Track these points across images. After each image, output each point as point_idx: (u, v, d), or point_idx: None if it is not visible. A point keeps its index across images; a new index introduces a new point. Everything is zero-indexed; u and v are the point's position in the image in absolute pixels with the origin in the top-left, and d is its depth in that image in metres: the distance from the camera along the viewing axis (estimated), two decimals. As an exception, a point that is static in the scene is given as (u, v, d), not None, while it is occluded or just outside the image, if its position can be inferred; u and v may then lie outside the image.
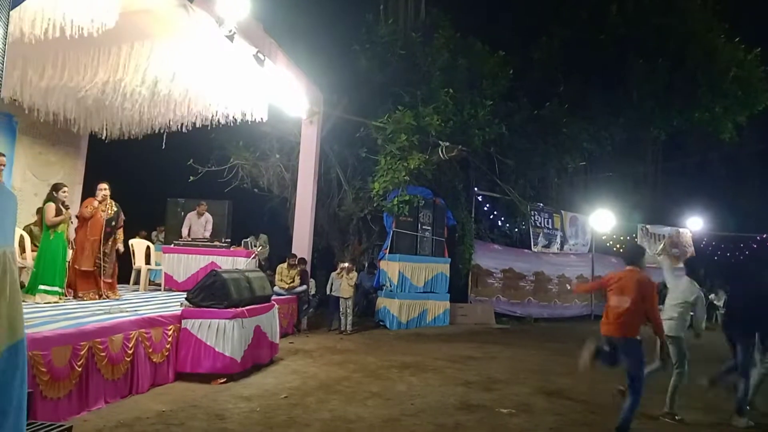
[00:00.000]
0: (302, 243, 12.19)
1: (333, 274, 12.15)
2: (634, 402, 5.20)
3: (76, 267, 8.02)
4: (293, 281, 11.36)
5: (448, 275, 14.43)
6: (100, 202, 8.21)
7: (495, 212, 17.63)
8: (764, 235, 22.21)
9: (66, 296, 7.84)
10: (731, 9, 17.45)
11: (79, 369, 5.06)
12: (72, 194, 10.32)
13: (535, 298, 17.42)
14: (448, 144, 13.62)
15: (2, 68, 1.86)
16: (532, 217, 16.65)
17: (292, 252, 11.82)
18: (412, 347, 10.48)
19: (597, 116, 17.06)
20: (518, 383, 7.71)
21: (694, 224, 21.33)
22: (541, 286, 17.67)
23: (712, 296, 17.55)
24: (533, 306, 17.20)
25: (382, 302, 13.35)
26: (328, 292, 12.08)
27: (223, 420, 5.30)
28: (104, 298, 8.10)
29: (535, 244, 16.86)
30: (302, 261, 11.69)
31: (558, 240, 17.51)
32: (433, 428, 5.45)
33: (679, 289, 6.42)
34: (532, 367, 9.12)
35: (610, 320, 5.43)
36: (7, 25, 1.88)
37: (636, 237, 19.63)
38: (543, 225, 16.98)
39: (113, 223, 8.34)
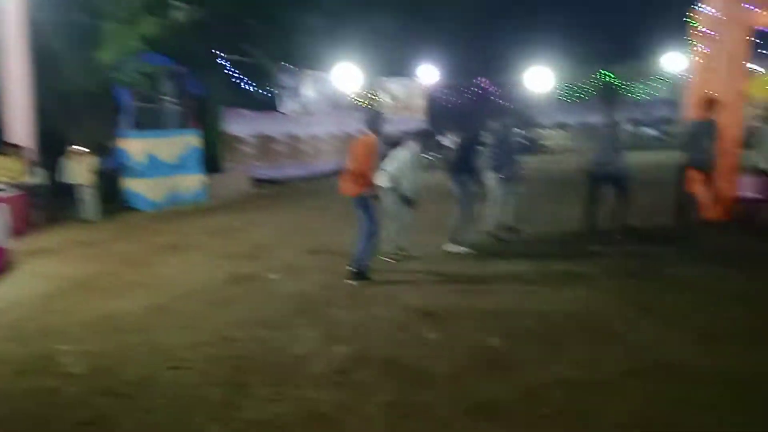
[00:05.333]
0: (19, 128, 10.49)
1: (63, 159, 10.81)
2: (368, 248, 5.95)
3: None
4: (17, 174, 9.86)
5: (200, 147, 13.83)
6: None
7: (241, 76, 16.92)
8: (484, 79, 24.98)
9: None
10: None
11: None
12: None
13: (289, 160, 17.69)
14: (183, 5, 12.38)
15: None
16: (280, 79, 16.39)
17: (2, 139, 10.11)
18: (169, 227, 10.08)
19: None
20: (284, 247, 7.96)
21: (428, 74, 22.65)
22: (294, 148, 17.94)
23: (443, 140, 19.52)
24: (289, 168, 17.51)
25: (128, 183, 12.39)
26: (60, 180, 10.76)
27: (-41, 345, 4.64)
28: None
29: (285, 106, 16.80)
30: (21, 149, 10.10)
31: (306, 100, 17.64)
32: (205, 307, 5.44)
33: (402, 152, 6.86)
34: (295, 228, 9.45)
35: (346, 180, 5.97)
36: None
37: (377, 91, 20.60)
38: (291, 86, 16.87)
39: None
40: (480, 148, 7.49)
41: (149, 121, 12.74)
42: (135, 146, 12.42)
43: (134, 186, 12.31)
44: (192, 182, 13.46)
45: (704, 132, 8.17)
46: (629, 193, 7.70)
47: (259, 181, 15.91)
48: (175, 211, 11.97)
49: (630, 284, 5.77)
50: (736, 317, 4.79)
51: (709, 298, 5.27)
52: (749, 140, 8.55)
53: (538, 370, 3.86)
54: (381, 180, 6.50)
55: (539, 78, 22.57)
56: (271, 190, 15.44)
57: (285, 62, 16.83)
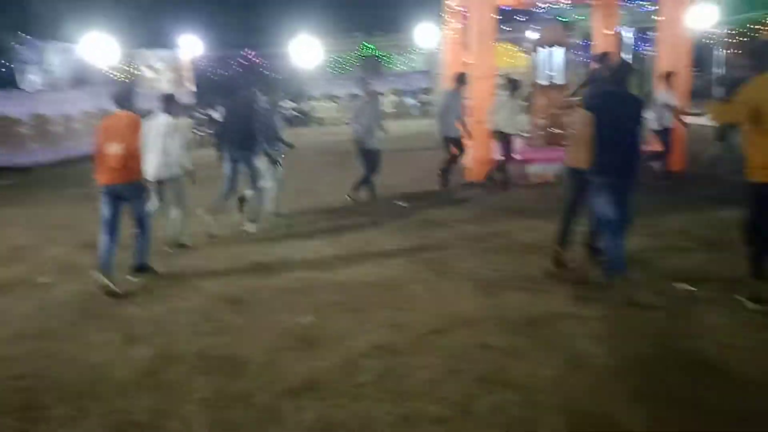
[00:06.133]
0: None
1: None
2: (146, 239, 5.50)
3: None
4: None
5: None
6: None
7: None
8: (250, 51, 24.54)
9: None
10: None
11: None
12: None
13: (37, 143, 15.57)
14: None
15: None
16: (19, 53, 14.27)
17: None
18: None
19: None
20: (50, 244, 7.10)
21: (191, 45, 21.44)
22: (42, 129, 15.82)
23: (212, 113, 18.86)
24: (38, 153, 15.42)
25: None
26: None
27: None
28: None
29: (27, 83, 14.71)
30: None
31: (53, 74, 15.62)
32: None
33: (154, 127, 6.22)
34: (60, 222, 8.43)
35: (112, 168, 5.17)
36: None
37: (137, 64, 19.06)
38: (33, 60, 14.80)
39: None
40: (257, 121, 7.12)
41: None
42: None
43: None
44: None
45: (453, 103, 9.34)
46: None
47: (2, 170, 13.77)
48: None
49: (420, 248, 6.23)
50: (517, 267, 5.41)
51: (491, 252, 5.92)
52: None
53: (351, 340, 4.03)
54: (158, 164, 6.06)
55: (306, 49, 22.74)
56: (19, 180, 13.45)
57: (23, 33, 14.66)
